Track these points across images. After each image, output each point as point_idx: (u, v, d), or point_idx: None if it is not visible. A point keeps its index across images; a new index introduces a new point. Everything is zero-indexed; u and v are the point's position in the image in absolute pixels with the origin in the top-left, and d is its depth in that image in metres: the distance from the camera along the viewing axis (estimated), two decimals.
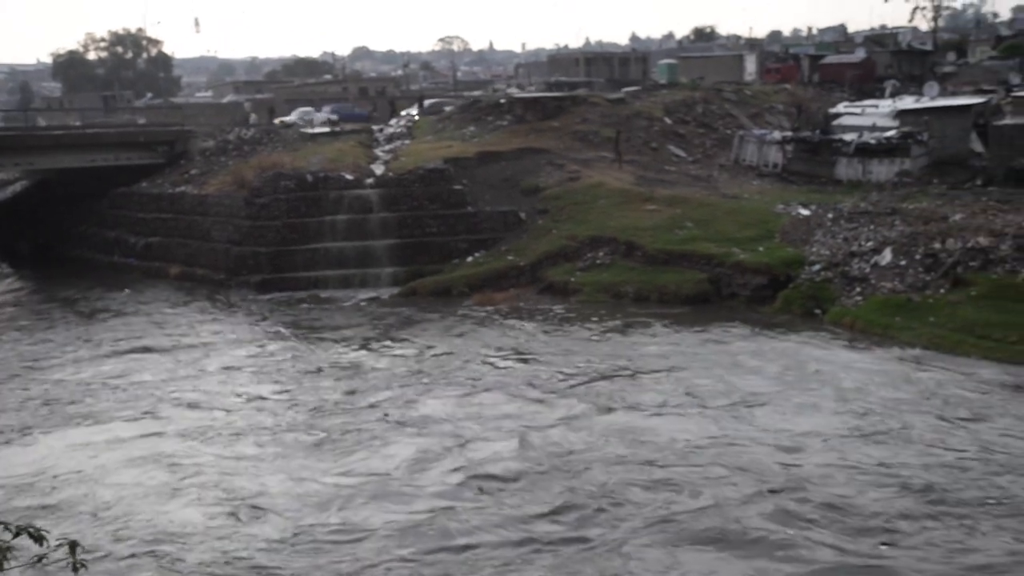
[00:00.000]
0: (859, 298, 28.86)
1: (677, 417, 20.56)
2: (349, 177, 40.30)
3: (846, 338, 26.60)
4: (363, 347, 28.24)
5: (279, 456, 19.26)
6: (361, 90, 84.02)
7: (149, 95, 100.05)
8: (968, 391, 21.33)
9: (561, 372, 24.28)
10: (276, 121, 56.23)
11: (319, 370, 25.74)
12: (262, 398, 23.37)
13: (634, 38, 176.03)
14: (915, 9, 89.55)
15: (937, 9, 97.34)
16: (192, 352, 28.19)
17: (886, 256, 30.35)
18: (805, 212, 36.17)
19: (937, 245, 29.91)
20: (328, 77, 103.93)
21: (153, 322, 32.53)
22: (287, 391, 23.93)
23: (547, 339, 28.00)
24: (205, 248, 40.49)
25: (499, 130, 47.72)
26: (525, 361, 25.65)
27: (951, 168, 41.92)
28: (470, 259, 36.91)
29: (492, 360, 25.82)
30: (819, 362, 24.24)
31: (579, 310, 31.32)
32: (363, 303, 34.64)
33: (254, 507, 16.79)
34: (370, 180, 40.45)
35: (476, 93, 71.38)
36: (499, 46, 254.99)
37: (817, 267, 30.98)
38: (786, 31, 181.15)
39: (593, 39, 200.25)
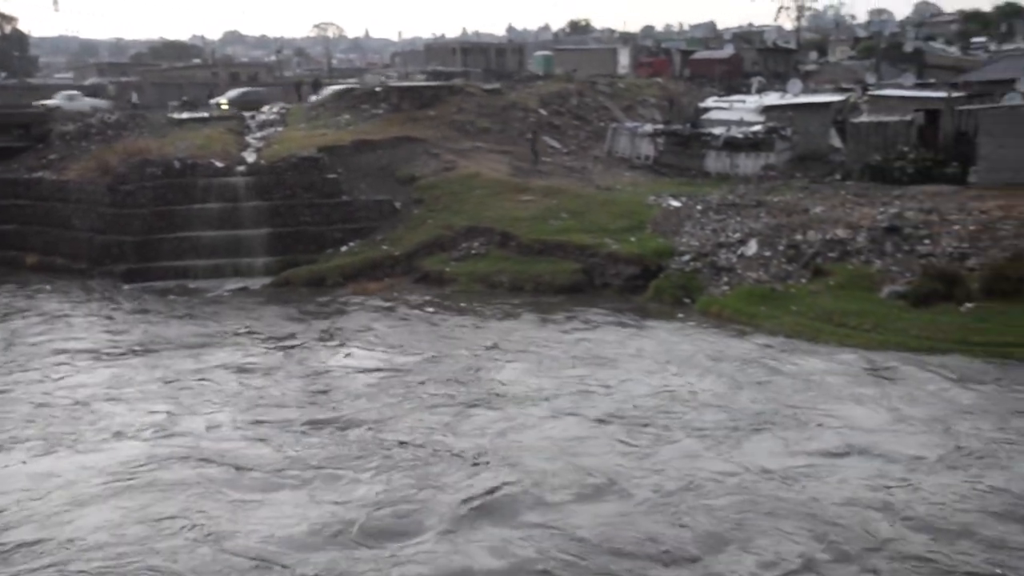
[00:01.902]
0: (726, 287, 29.76)
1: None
2: (219, 164, 39.28)
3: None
4: (294, 347, 26.59)
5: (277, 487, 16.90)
6: (232, 75, 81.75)
7: (3, 75, 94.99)
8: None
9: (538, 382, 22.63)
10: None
11: (265, 377, 23.68)
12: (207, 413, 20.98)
13: (511, 29, 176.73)
14: (780, 9, 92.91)
15: (800, 9, 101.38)
16: (114, 359, 25.67)
17: (752, 247, 31.39)
18: (676, 204, 37.05)
19: (799, 237, 31.11)
20: (197, 61, 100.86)
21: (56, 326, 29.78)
22: (237, 406, 21.41)
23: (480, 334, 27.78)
24: (66, 236, 38.83)
25: (375, 118, 47.24)
26: (486, 364, 24.09)
27: (812, 162, 43.66)
28: (345, 249, 36.53)
29: (439, 357, 24.91)
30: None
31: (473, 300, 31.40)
32: (226, 293, 33.94)
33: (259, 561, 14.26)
34: (241, 168, 39.53)
35: (351, 81, 70.44)
36: (375, 34, 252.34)
37: (687, 257, 31.80)
38: (659, 26, 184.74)
39: (470, 29, 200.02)
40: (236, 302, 32.77)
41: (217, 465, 17.79)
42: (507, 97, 51.27)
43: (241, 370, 24.26)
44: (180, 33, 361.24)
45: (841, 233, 30.50)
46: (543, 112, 50.20)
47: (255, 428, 19.79)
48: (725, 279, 30.24)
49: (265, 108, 53.67)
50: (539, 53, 76.22)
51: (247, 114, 51.07)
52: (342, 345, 26.51)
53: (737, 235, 32.54)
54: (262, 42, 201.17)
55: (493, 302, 30.87)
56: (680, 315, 28.77)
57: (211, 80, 74.62)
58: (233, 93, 59.26)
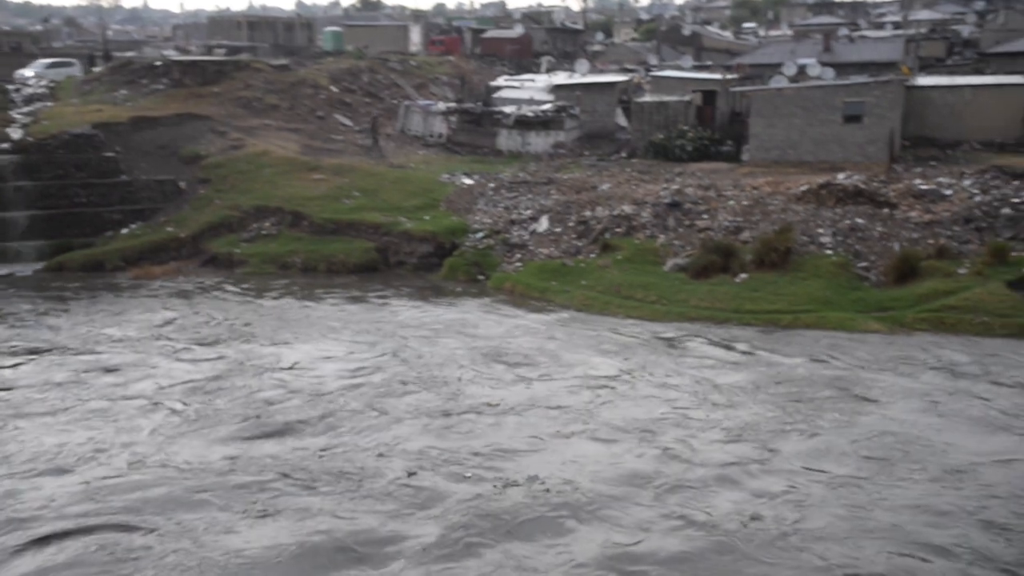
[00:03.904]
0: (519, 264, 30.32)
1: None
2: None
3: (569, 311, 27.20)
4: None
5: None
6: None
7: None
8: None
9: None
10: None
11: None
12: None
13: (299, 4, 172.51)
14: None
15: None
16: None
17: (543, 223, 32.09)
18: (468, 181, 37.38)
19: (588, 213, 32.06)
20: None
21: None
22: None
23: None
24: None
25: (155, 94, 45.01)
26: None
27: (600, 140, 45.12)
28: (125, 231, 34.72)
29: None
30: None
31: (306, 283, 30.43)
32: None
33: None
34: (5, 145, 36.60)
35: (129, 54, 66.75)
36: (155, 4, 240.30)
37: (480, 235, 32.16)
38: (450, 4, 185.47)
39: (257, 3, 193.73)
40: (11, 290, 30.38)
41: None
42: (296, 74, 50.09)
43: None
44: None
45: (627, 209, 31.64)
46: (334, 89, 49.37)
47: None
48: (518, 255, 30.80)
49: (32, 81, 50.07)
50: (329, 29, 74.62)
51: (11, 87, 47.47)
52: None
53: (529, 212, 33.18)
54: (25, 9, 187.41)
55: (317, 284, 30.22)
56: (459, 290, 29.25)
57: None
58: None
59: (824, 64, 46.98)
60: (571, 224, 31.74)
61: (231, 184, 36.58)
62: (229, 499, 14.63)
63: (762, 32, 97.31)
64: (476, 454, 16.28)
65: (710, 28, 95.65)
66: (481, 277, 30.31)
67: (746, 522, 13.78)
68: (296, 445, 16.72)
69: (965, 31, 72.51)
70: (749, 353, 22.05)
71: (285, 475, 15.45)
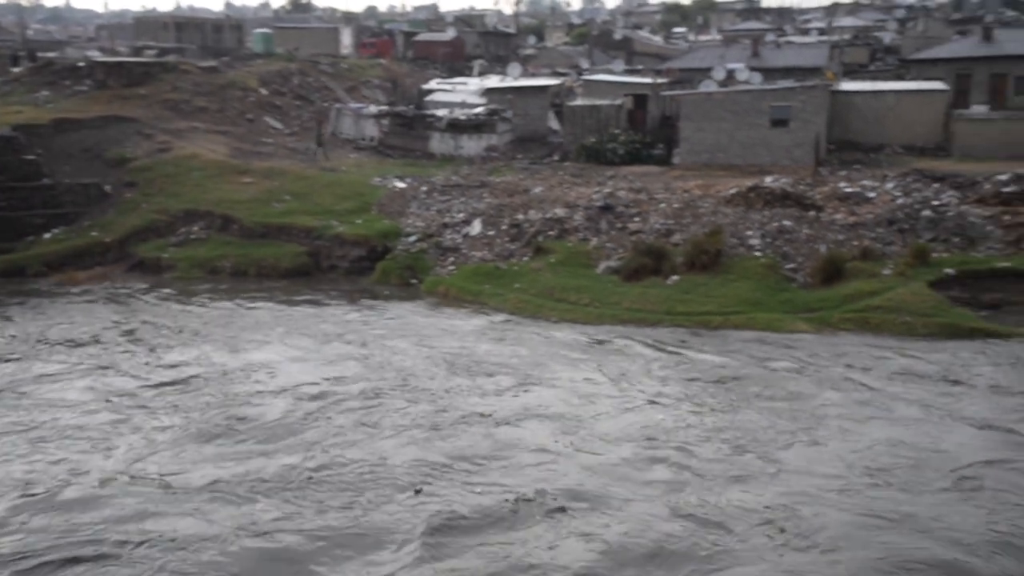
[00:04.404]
0: (452, 267, 30.25)
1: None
2: None
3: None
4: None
5: None
6: None
7: None
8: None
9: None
10: None
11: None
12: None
13: (229, 5, 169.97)
14: None
15: None
16: None
17: (476, 227, 32.07)
18: (401, 185, 37.21)
19: (521, 216, 32.12)
20: None
21: None
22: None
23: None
24: None
25: (78, 96, 44.02)
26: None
27: (532, 144, 45.30)
28: (47, 236, 33.81)
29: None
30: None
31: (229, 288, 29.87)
32: None
33: None
34: None
35: (51, 54, 65.11)
36: (78, 4, 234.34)
37: (413, 238, 32.02)
38: (382, 6, 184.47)
39: (184, 3, 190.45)
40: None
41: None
42: (225, 76, 49.40)
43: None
44: None
45: (560, 212, 31.79)
46: (264, 92, 48.80)
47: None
48: (451, 259, 30.73)
49: None
50: (259, 31, 73.55)
51: None
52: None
53: (462, 215, 33.14)
54: None
55: (249, 289, 29.70)
56: (387, 293, 29.02)
57: None
58: None
59: (752, 69, 47.80)
60: (504, 227, 31.78)
61: (159, 187, 35.93)
62: (219, 516, 14.09)
63: (692, 37, 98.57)
64: (479, 466, 15.90)
65: (641, 33, 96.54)
66: (414, 281, 30.17)
67: (766, 531, 13.63)
68: (285, 459, 16.11)
69: (887, 38, 74.32)
70: (711, 356, 22.14)
71: (278, 491, 14.93)
